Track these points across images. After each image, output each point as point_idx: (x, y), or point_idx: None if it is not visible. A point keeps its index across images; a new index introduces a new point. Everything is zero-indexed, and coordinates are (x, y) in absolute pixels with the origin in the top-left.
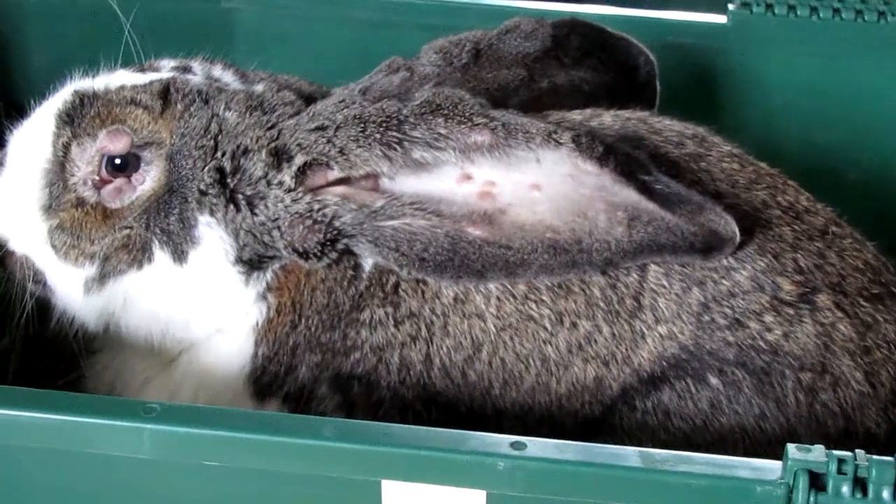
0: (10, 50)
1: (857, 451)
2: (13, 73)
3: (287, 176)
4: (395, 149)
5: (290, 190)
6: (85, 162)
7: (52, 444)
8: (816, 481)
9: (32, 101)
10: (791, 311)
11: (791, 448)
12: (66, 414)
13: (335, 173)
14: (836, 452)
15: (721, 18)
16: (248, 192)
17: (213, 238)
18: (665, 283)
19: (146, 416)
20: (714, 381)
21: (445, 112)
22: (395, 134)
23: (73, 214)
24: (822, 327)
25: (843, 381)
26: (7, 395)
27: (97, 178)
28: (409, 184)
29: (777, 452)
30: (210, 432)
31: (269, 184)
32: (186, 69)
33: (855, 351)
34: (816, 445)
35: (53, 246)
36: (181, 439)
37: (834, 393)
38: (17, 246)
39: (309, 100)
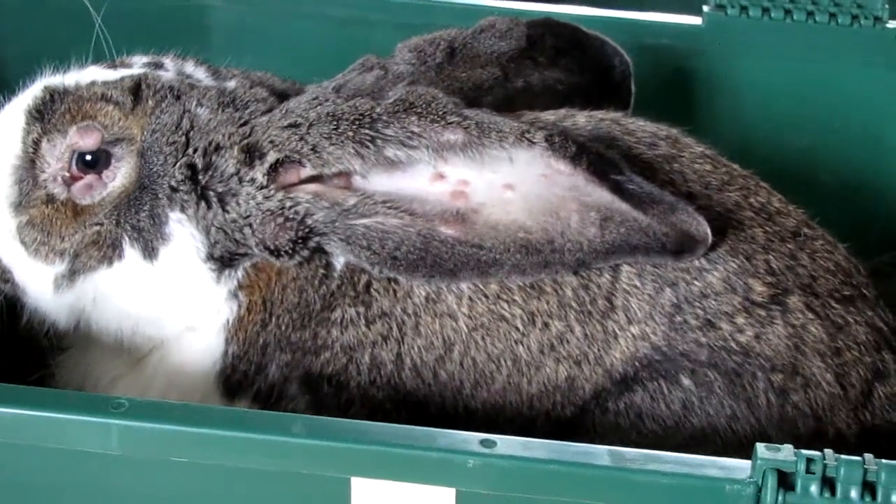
0: None
1: (825, 450)
2: None
3: (259, 173)
4: (367, 147)
5: (262, 187)
6: (55, 158)
7: (19, 439)
8: (785, 480)
9: (2, 97)
10: (762, 313)
11: (760, 447)
12: (34, 409)
13: (307, 171)
14: (805, 452)
15: (696, 20)
16: (220, 189)
17: (183, 235)
18: (637, 284)
19: (115, 411)
20: (686, 381)
21: (419, 110)
22: (367, 132)
23: (42, 211)
24: (793, 329)
25: (814, 383)
26: None
27: (67, 174)
28: (381, 182)
29: (748, 453)
30: (178, 428)
31: (240, 181)
32: (158, 65)
33: (826, 352)
34: (785, 445)
35: (23, 243)
36: (150, 435)
37: (805, 394)
38: None
39: (282, 97)
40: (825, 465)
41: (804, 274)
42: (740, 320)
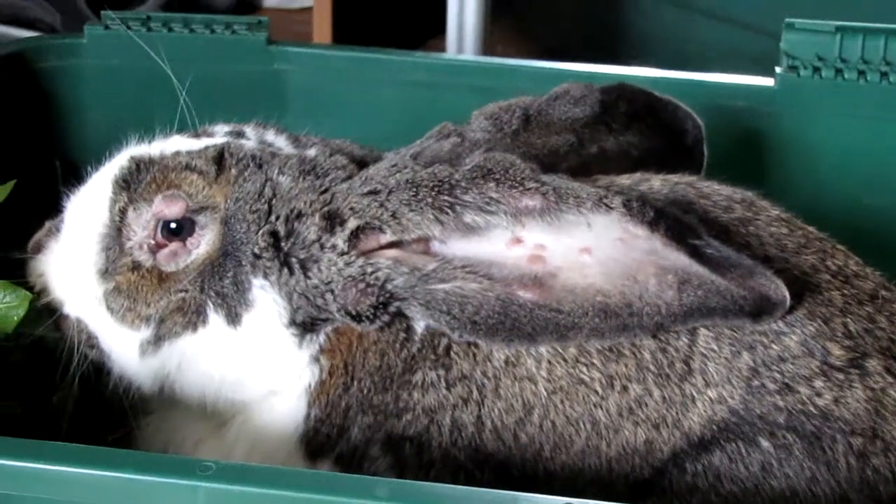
0: (67, 110)
1: None
2: (70, 132)
3: (340, 240)
4: (446, 213)
5: (343, 253)
6: (141, 226)
7: (107, 501)
8: None
9: (87, 162)
10: (841, 376)
11: None
12: (122, 471)
13: (387, 237)
14: None
15: (768, 81)
16: (302, 256)
17: (266, 301)
18: (715, 347)
19: (202, 474)
20: (765, 443)
21: (497, 176)
22: (446, 198)
23: (129, 278)
24: (872, 392)
25: (895, 447)
26: (63, 452)
27: (153, 242)
28: (460, 247)
29: None
30: (265, 491)
31: (322, 247)
32: (240, 134)
33: None
34: None
35: (110, 309)
36: (236, 498)
37: (885, 458)
38: (73, 309)
39: (361, 164)
40: None
41: (883, 337)
42: (819, 384)
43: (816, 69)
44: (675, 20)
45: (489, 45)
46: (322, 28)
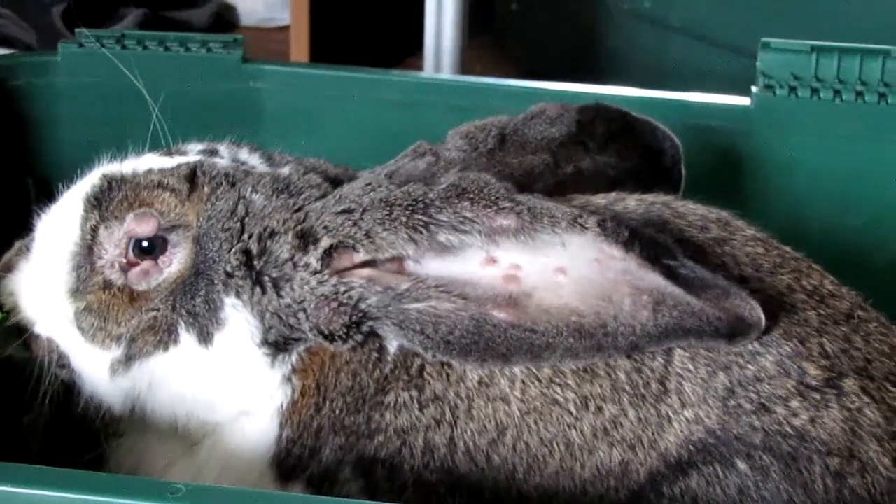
0: (40, 128)
1: None
2: (43, 150)
3: (313, 258)
4: (420, 232)
5: (316, 272)
6: (112, 245)
7: None
8: None
9: (60, 180)
10: (817, 396)
11: None
12: (91, 494)
13: (361, 256)
14: None
15: (745, 101)
16: (275, 275)
17: (238, 320)
18: (691, 368)
19: (171, 496)
20: (742, 466)
21: (471, 196)
22: (420, 217)
23: (100, 297)
24: (848, 412)
25: (871, 467)
26: (31, 475)
27: (124, 260)
28: (434, 266)
29: None
30: None
31: (295, 266)
32: (213, 152)
33: (882, 436)
34: None
35: (80, 328)
36: None
37: (862, 478)
38: (44, 329)
39: (335, 182)
40: None
41: (859, 357)
42: (795, 404)
43: (792, 88)
44: (652, 40)
45: (467, 64)
46: (299, 47)
